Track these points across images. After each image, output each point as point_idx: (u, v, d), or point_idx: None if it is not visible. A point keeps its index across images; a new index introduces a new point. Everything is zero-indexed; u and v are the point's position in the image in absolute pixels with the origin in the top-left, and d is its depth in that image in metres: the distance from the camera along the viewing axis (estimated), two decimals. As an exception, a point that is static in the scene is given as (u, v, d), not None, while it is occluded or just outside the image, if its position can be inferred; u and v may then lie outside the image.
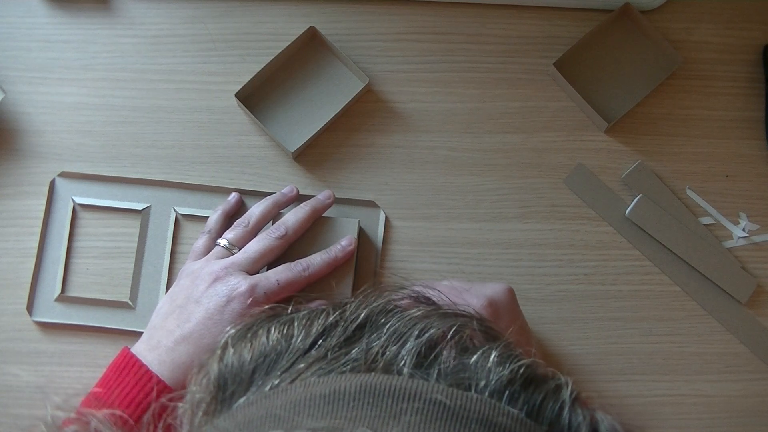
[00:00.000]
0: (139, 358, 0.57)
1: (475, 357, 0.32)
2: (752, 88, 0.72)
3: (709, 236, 0.70)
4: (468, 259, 0.69)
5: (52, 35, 0.72)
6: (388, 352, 0.32)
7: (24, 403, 0.66)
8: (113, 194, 0.69)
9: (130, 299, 0.67)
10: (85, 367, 0.66)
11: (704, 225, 0.70)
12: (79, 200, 0.69)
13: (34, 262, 0.67)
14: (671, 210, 0.70)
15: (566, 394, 0.32)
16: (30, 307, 0.67)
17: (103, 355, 0.65)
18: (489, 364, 0.32)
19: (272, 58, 0.69)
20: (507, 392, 0.31)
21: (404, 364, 0.32)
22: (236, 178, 0.70)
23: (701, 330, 0.68)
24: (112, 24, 0.72)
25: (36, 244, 0.68)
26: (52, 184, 0.69)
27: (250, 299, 0.57)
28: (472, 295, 0.57)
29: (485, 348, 0.33)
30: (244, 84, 0.69)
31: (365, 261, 0.68)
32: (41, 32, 0.72)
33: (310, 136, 0.69)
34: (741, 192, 0.71)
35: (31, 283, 0.67)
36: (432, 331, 0.33)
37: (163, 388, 0.55)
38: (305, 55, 0.71)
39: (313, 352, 0.33)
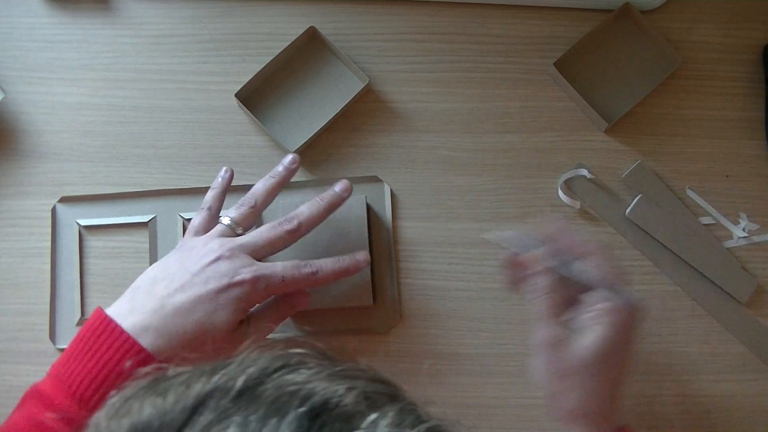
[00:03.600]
0: (117, 321, 0.53)
1: (365, 423, 0.29)
2: (752, 88, 0.72)
3: (709, 236, 0.70)
4: (468, 259, 0.69)
5: (52, 35, 0.72)
6: (266, 429, 0.29)
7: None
8: (116, 211, 0.68)
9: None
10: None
11: (704, 225, 0.70)
12: (84, 222, 0.68)
13: (49, 291, 0.67)
14: (671, 210, 0.70)
15: None
16: (52, 336, 0.67)
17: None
18: (381, 430, 0.29)
19: (272, 57, 0.69)
20: None
21: None
22: (236, 178, 0.69)
23: (701, 330, 0.68)
24: (112, 24, 0.72)
25: (48, 272, 0.67)
26: (53, 211, 0.68)
27: (252, 291, 0.55)
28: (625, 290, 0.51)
29: (378, 412, 0.30)
30: (244, 84, 0.69)
31: (377, 238, 0.68)
32: (41, 32, 0.72)
33: (311, 135, 0.69)
34: (741, 192, 0.71)
35: (50, 311, 0.67)
36: (315, 397, 0.30)
37: (146, 356, 0.52)
38: (305, 55, 0.71)
39: (187, 430, 0.30)
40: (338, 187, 0.62)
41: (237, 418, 0.29)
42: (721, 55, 0.73)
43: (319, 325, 0.66)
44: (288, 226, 0.59)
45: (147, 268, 0.60)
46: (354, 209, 0.65)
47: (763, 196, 0.71)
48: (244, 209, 0.60)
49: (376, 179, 0.69)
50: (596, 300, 0.52)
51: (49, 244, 0.68)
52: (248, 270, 0.56)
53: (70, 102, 0.71)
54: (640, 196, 0.69)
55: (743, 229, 0.70)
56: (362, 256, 0.61)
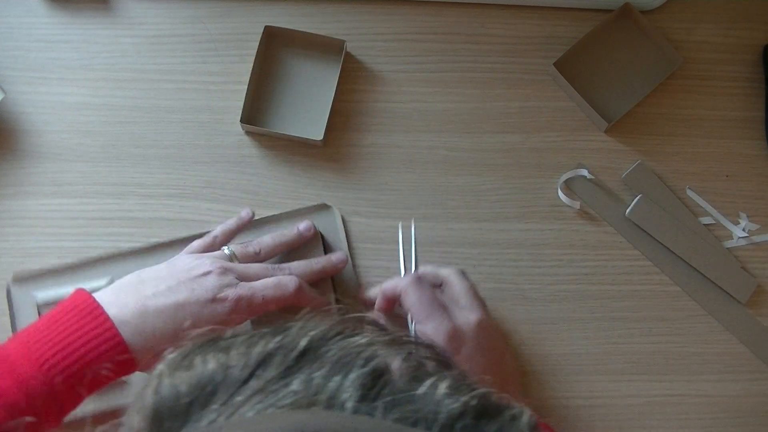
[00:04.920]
0: (103, 308, 0.53)
1: (423, 388, 0.30)
2: (752, 88, 0.72)
3: (709, 236, 0.70)
4: (468, 259, 0.69)
5: (52, 35, 0.72)
6: (330, 384, 0.30)
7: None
8: (74, 279, 0.66)
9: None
10: None
11: (704, 225, 0.70)
12: (42, 297, 0.65)
13: None
14: (671, 210, 0.70)
15: (523, 424, 0.30)
16: None
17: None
18: (438, 396, 0.30)
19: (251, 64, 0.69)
20: (458, 426, 0.29)
21: (348, 397, 0.29)
22: (236, 178, 0.70)
23: (701, 330, 0.68)
24: (112, 24, 0.72)
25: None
26: (8, 293, 0.66)
27: (233, 310, 0.56)
28: (437, 318, 0.56)
29: (434, 378, 0.31)
30: (243, 108, 0.69)
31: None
32: (41, 32, 0.72)
33: (311, 136, 0.69)
34: (741, 192, 0.71)
35: None
36: (377, 359, 0.31)
37: (122, 350, 0.52)
38: (306, 56, 0.72)
39: (251, 383, 0.31)
40: (335, 257, 0.65)
41: (301, 375, 0.30)
42: (721, 55, 0.73)
43: None
44: (281, 274, 0.61)
45: None
46: (311, 242, 0.66)
47: (763, 196, 0.71)
48: (249, 250, 0.62)
49: (324, 207, 0.69)
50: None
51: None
52: (233, 291, 0.57)
53: (70, 102, 0.71)
54: (640, 196, 0.69)
55: (743, 229, 0.70)
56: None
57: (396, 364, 0.32)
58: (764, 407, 0.67)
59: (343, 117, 0.71)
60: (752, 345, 0.68)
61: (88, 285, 0.63)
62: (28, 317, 0.65)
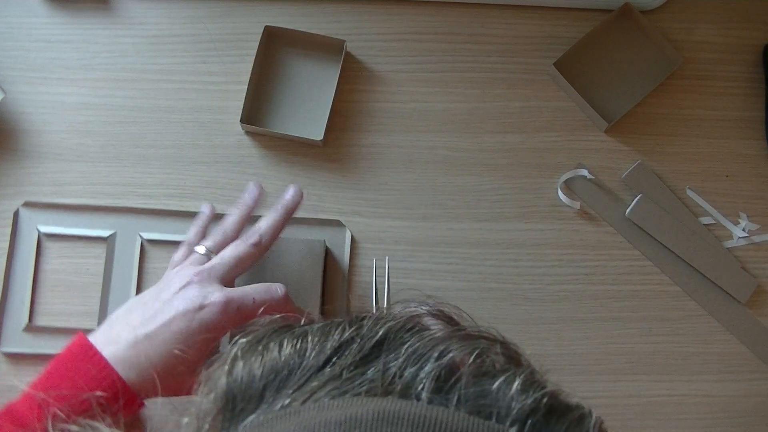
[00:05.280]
0: (97, 349, 0.53)
1: (497, 383, 0.31)
2: (752, 88, 0.72)
3: (709, 236, 0.70)
4: (468, 259, 0.69)
5: (52, 35, 0.72)
6: (406, 374, 0.31)
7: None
8: (78, 222, 0.68)
9: (97, 327, 0.65)
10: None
11: (704, 225, 0.70)
12: (44, 229, 0.68)
13: (0, 293, 0.66)
14: (671, 210, 0.70)
15: (590, 424, 0.31)
16: None
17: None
18: (512, 392, 0.30)
19: (254, 63, 0.69)
20: (529, 422, 0.29)
21: (423, 388, 0.30)
22: (236, 178, 0.70)
23: (701, 330, 0.68)
24: (112, 24, 0.72)
25: (1, 275, 0.67)
26: (15, 215, 0.68)
27: (223, 313, 0.55)
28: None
29: (508, 374, 0.31)
30: (243, 108, 0.69)
31: (332, 282, 0.67)
32: (41, 32, 0.72)
33: (311, 136, 0.69)
34: (741, 192, 0.71)
35: None
36: (453, 353, 0.32)
37: (122, 386, 0.52)
38: (305, 56, 0.72)
39: (327, 369, 0.31)
40: (288, 194, 0.62)
41: (377, 364, 0.31)
42: (721, 55, 0.73)
43: None
44: (251, 240, 0.59)
45: (101, 282, 0.66)
46: (313, 251, 0.65)
47: (763, 196, 0.71)
48: (218, 239, 0.61)
49: (338, 223, 0.69)
50: None
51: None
52: (219, 294, 0.55)
53: (70, 102, 0.71)
54: (640, 196, 0.69)
55: (743, 229, 0.70)
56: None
57: (470, 358, 0.32)
58: (764, 407, 0.67)
59: (343, 117, 0.71)
60: (752, 345, 0.68)
61: (90, 232, 0.67)
62: (28, 245, 0.67)
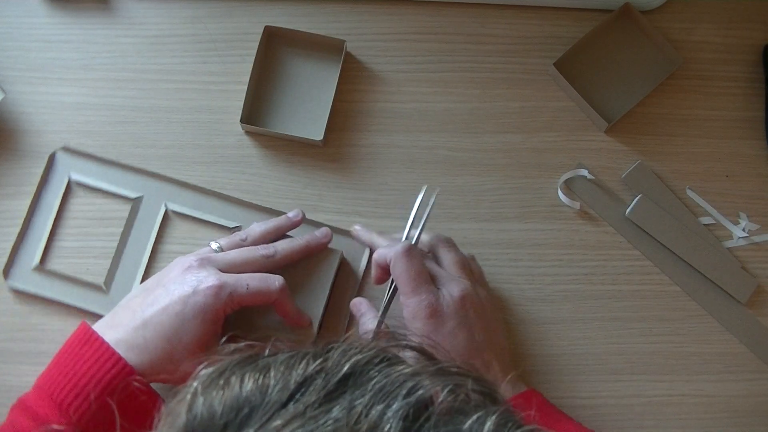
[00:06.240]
0: (99, 334, 0.55)
1: (468, 423, 0.29)
2: (752, 88, 0.72)
3: (709, 236, 0.70)
4: (468, 259, 0.69)
5: (52, 35, 0.72)
6: (372, 413, 0.29)
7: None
8: (110, 178, 0.69)
9: (104, 284, 0.66)
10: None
11: (704, 225, 0.70)
12: (76, 177, 0.69)
13: (19, 228, 0.67)
14: (671, 210, 0.70)
15: None
16: (7, 272, 0.67)
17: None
18: None
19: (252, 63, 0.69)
20: None
21: (390, 428, 0.29)
22: (236, 178, 0.70)
23: (701, 330, 0.68)
24: (112, 24, 0.72)
25: (25, 210, 0.68)
26: (52, 157, 0.69)
27: (215, 297, 0.55)
28: (421, 293, 0.55)
29: (480, 412, 0.30)
30: (243, 108, 0.69)
31: (341, 291, 0.67)
32: (41, 32, 0.72)
33: (311, 136, 0.69)
34: (741, 192, 0.71)
35: (13, 248, 0.67)
36: (422, 391, 0.30)
37: (123, 366, 0.53)
38: (304, 56, 0.72)
39: (290, 406, 0.30)
40: (319, 232, 0.64)
41: (342, 402, 0.30)
42: (721, 55, 0.73)
43: None
44: (263, 251, 0.60)
45: (116, 246, 0.67)
46: (328, 259, 0.65)
47: (763, 196, 0.71)
48: (234, 239, 0.62)
49: None
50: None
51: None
52: (212, 278, 0.56)
53: (70, 102, 0.71)
54: (640, 196, 0.69)
55: (743, 229, 0.70)
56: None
57: (441, 395, 0.31)
58: (764, 407, 0.67)
59: (343, 117, 0.71)
60: (752, 345, 0.68)
61: (119, 190, 0.69)
62: (56, 188, 0.68)
